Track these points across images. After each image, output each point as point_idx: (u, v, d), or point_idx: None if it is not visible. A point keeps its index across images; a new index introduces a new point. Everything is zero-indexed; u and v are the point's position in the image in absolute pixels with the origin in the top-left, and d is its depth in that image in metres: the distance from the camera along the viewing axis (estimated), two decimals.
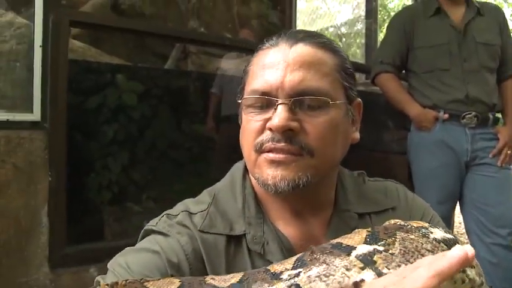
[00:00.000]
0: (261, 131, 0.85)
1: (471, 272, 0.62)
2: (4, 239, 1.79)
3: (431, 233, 0.64)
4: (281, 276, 0.62)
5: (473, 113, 2.38)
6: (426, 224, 0.67)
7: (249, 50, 2.86)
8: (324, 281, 0.59)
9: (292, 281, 0.60)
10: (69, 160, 1.98)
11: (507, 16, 2.64)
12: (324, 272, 0.60)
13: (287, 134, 0.83)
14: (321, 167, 0.86)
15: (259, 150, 0.85)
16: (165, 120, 2.80)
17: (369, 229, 0.65)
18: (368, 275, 0.59)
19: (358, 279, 0.59)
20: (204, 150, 3.04)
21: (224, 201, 0.92)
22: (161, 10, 3.74)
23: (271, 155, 0.83)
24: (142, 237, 0.90)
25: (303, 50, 0.87)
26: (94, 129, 2.47)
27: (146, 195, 2.71)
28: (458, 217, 3.69)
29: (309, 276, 0.60)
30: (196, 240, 0.85)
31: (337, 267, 0.60)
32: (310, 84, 0.84)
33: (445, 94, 2.42)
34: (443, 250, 0.63)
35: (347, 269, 0.60)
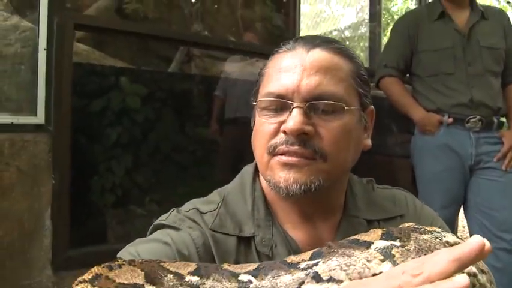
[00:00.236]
0: (275, 133, 0.86)
1: (482, 278, 0.62)
2: (7, 241, 1.79)
3: (444, 236, 0.64)
4: (298, 266, 0.62)
5: (478, 117, 2.38)
6: (438, 229, 0.67)
7: (253, 52, 2.87)
8: (344, 271, 0.59)
9: (310, 270, 0.60)
10: (73, 163, 1.98)
11: None
12: (345, 262, 0.60)
13: (301, 137, 0.83)
14: (333, 172, 0.86)
15: (272, 152, 0.85)
16: (168, 123, 2.81)
17: (384, 229, 0.65)
18: (387, 267, 0.58)
19: (377, 271, 0.58)
20: (207, 154, 3.05)
21: (234, 203, 0.93)
22: (165, 14, 3.75)
23: (284, 158, 0.84)
24: (152, 232, 0.90)
25: (319, 55, 0.87)
26: (98, 132, 2.47)
27: (149, 198, 2.72)
28: (462, 221, 3.67)
29: (328, 265, 0.60)
30: (207, 237, 0.86)
31: (357, 258, 0.60)
32: (326, 89, 0.85)
33: (449, 98, 2.41)
34: None
35: (367, 261, 0.60)
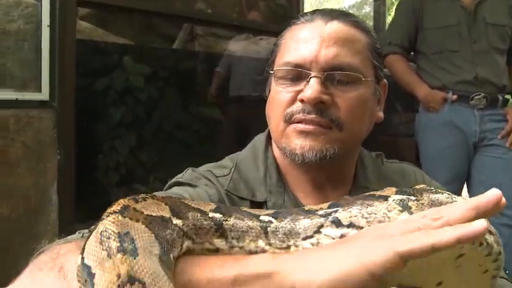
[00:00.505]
0: (292, 102, 0.88)
1: (490, 238, 0.62)
2: (15, 217, 1.81)
3: (454, 198, 0.65)
4: (317, 212, 0.63)
5: (482, 94, 2.37)
6: (449, 192, 0.68)
7: (256, 30, 2.85)
8: (365, 218, 0.60)
9: (329, 216, 0.61)
10: (78, 139, 1.99)
11: None
12: (366, 211, 0.61)
13: (318, 106, 0.85)
14: (348, 141, 0.88)
15: (289, 120, 0.87)
16: (171, 102, 2.80)
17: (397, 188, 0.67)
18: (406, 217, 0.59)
19: None
20: (211, 132, 3.05)
21: (246, 169, 0.94)
22: None
23: (300, 126, 0.86)
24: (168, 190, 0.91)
25: (337, 27, 0.89)
26: (102, 108, 2.48)
27: (153, 176, 2.73)
28: (465, 198, 3.67)
29: (349, 212, 0.61)
30: (222, 197, 0.88)
31: (378, 208, 0.61)
32: (344, 60, 0.87)
33: (453, 75, 2.40)
34: None
35: (388, 210, 0.60)
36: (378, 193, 0.64)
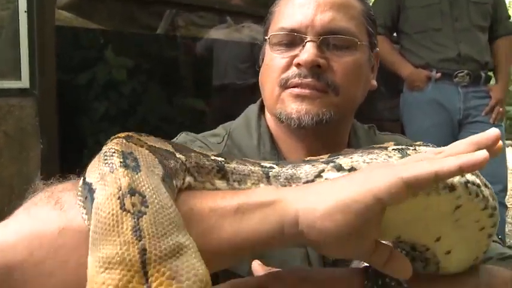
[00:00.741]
0: (287, 67, 0.88)
1: (485, 190, 0.62)
2: None
3: None
4: (318, 160, 0.63)
5: (466, 71, 2.38)
6: None
7: (239, 13, 2.82)
8: (366, 163, 0.61)
9: (331, 162, 0.62)
10: (61, 127, 1.96)
11: None
12: (367, 157, 0.62)
13: (314, 70, 0.85)
14: (344, 106, 0.88)
15: (284, 85, 0.87)
16: (154, 95, 2.78)
17: None
18: None
19: None
20: (196, 123, 3.02)
21: (239, 137, 0.94)
22: None
23: (296, 90, 0.86)
24: None
25: None
26: (85, 99, 2.44)
27: None
28: None
29: (351, 158, 0.62)
30: None
31: (378, 154, 0.62)
32: (340, 24, 0.87)
33: (437, 53, 2.42)
34: None
35: (388, 157, 0.61)
36: (377, 145, 0.65)
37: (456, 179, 0.58)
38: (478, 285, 0.69)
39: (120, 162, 0.47)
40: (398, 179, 0.48)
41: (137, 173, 0.46)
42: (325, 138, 0.91)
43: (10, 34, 1.85)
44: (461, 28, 2.42)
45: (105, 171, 0.47)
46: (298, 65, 0.86)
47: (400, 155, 0.61)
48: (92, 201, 0.45)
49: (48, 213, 0.50)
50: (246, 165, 0.63)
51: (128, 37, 2.63)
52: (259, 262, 0.72)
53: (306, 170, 0.62)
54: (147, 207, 0.43)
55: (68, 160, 2.14)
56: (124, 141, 0.51)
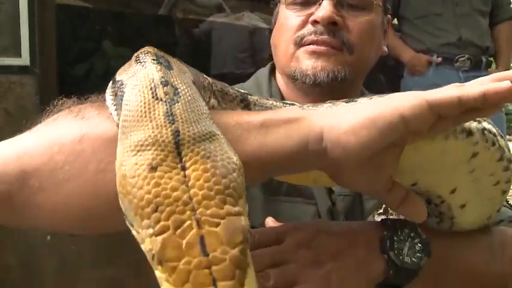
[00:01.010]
0: (302, 25, 0.88)
1: (501, 140, 0.62)
2: None
3: None
4: (338, 100, 0.62)
5: (467, 56, 2.38)
6: None
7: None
8: None
9: (352, 101, 0.60)
10: None
11: None
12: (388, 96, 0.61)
13: (330, 27, 0.86)
14: (357, 66, 0.89)
15: (299, 43, 0.88)
16: None
17: None
18: None
19: None
20: None
21: None
22: None
23: (312, 47, 0.86)
24: None
25: None
26: (85, 70, 2.42)
27: None
28: None
29: (371, 98, 0.60)
30: None
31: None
32: None
33: (438, 38, 2.42)
34: None
35: None
36: None
37: (474, 124, 0.58)
38: (492, 244, 0.70)
39: (153, 59, 0.46)
40: (422, 100, 0.48)
41: (170, 70, 0.45)
42: (337, 98, 0.91)
43: (10, 11, 1.83)
44: (462, 13, 2.42)
45: (137, 68, 0.46)
46: (314, 23, 0.87)
47: None
48: (123, 96, 0.44)
49: (69, 123, 0.49)
50: (269, 100, 0.63)
51: (129, 16, 2.61)
52: (272, 218, 0.71)
53: (328, 107, 0.61)
54: (180, 97, 0.42)
55: None
56: (156, 49, 0.50)
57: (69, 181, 0.46)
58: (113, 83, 0.49)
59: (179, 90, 0.43)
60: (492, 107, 0.51)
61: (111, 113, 0.48)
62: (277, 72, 0.98)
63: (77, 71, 2.40)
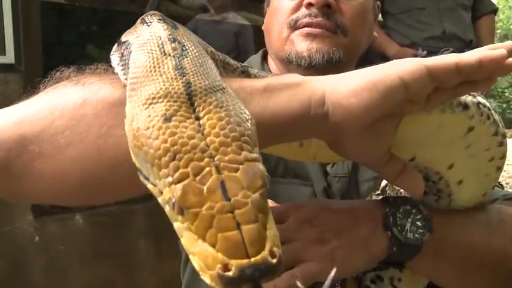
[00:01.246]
0: (296, 9, 0.89)
1: (496, 115, 0.63)
2: None
3: None
4: None
5: (451, 49, 2.41)
6: None
7: None
8: None
9: None
10: None
11: None
12: None
13: (324, 10, 0.87)
14: (351, 48, 0.90)
15: (294, 26, 0.88)
16: None
17: None
18: None
19: None
20: None
21: None
22: None
23: (307, 29, 0.87)
24: None
25: None
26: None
27: None
28: None
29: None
30: None
31: None
32: None
33: (422, 32, 2.45)
34: None
35: None
36: None
37: (469, 98, 0.60)
38: (490, 221, 0.71)
39: (159, 19, 0.46)
40: (422, 65, 0.49)
41: (176, 30, 0.45)
42: None
43: None
44: (445, 7, 2.45)
45: (144, 28, 0.46)
46: (308, 5, 0.87)
47: None
48: (130, 55, 0.43)
49: (69, 89, 0.49)
50: (268, 73, 0.63)
51: (116, 13, 2.59)
52: (270, 200, 0.71)
53: None
54: (188, 53, 0.42)
55: None
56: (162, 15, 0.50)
57: (70, 146, 0.46)
58: (118, 45, 0.48)
59: (187, 47, 0.43)
60: (487, 79, 0.52)
61: (117, 73, 0.47)
62: (269, 57, 0.98)
63: None
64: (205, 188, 0.33)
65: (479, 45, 2.54)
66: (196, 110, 0.37)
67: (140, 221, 2.16)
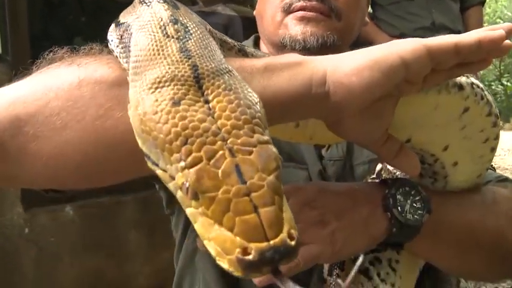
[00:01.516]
0: None
1: (489, 96, 0.64)
2: None
3: None
4: None
5: None
6: None
7: None
8: None
9: None
10: None
11: None
12: None
13: None
14: (345, 32, 0.90)
15: (288, 10, 0.88)
16: None
17: None
18: None
19: None
20: None
21: None
22: None
23: (301, 13, 0.86)
24: None
25: None
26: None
27: None
28: None
29: None
30: None
31: None
32: None
33: (411, 22, 2.45)
34: None
35: None
36: None
37: (463, 79, 0.60)
38: (484, 201, 0.72)
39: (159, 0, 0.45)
40: (421, 45, 0.49)
41: (177, 10, 0.44)
42: None
43: None
44: None
45: (143, 8, 0.44)
46: None
47: None
48: (130, 38, 0.42)
49: (64, 70, 0.48)
50: (264, 53, 0.63)
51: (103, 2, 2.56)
52: None
53: None
54: (191, 34, 0.41)
55: None
56: None
57: (67, 128, 0.45)
58: (116, 26, 0.47)
59: (189, 28, 0.42)
60: (482, 61, 0.53)
61: (116, 56, 0.46)
62: (261, 42, 0.97)
63: None
64: (220, 171, 0.33)
65: None
66: (205, 93, 0.36)
67: (130, 212, 2.16)
